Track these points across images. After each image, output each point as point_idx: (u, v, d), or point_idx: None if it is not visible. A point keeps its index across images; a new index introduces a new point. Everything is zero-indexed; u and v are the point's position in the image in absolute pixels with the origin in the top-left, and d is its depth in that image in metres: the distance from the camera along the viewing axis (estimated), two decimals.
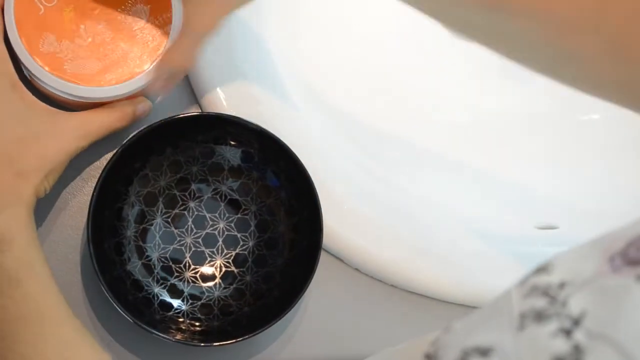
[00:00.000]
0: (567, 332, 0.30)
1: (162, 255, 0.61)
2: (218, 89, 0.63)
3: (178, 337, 0.57)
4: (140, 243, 0.61)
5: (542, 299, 0.31)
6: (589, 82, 0.50)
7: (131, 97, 0.60)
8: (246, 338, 0.57)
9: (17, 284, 0.52)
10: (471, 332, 0.33)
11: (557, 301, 0.31)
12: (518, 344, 0.31)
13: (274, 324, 0.58)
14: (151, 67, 0.58)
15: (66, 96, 0.58)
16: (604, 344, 0.29)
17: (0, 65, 0.57)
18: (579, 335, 0.29)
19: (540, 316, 0.31)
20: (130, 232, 0.61)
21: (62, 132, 0.56)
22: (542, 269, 0.33)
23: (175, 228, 0.62)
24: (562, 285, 0.31)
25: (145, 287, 0.60)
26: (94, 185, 0.58)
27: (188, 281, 0.61)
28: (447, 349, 0.33)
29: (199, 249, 0.62)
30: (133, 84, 0.58)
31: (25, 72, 0.59)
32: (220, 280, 0.61)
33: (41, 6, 0.58)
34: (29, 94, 0.57)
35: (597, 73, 0.49)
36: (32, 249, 0.53)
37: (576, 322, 0.30)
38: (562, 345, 0.29)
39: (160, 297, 0.60)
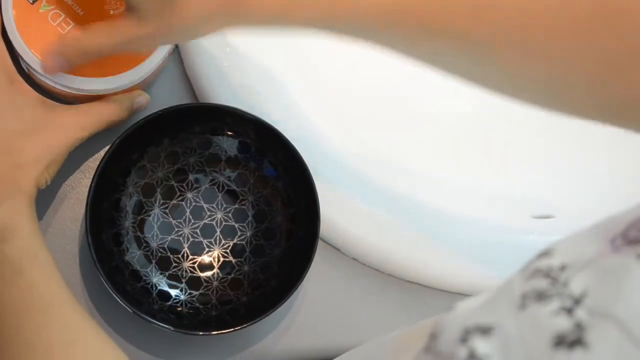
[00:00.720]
0: (569, 311, 0.30)
1: (160, 246, 0.61)
2: (215, 80, 0.63)
3: (177, 326, 0.58)
4: (139, 234, 0.61)
5: (544, 280, 0.32)
6: (583, 110, 0.50)
7: (128, 90, 0.60)
8: (244, 327, 0.58)
9: (20, 272, 0.52)
10: (473, 313, 0.33)
11: (559, 282, 0.31)
12: (519, 322, 0.31)
13: (271, 313, 0.58)
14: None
15: (64, 89, 0.58)
16: (605, 320, 0.29)
17: None
18: (580, 313, 0.30)
19: (541, 296, 0.31)
20: (128, 222, 0.61)
21: (61, 124, 0.57)
22: (543, 254, 0.33)
23: (173, 219, 0.62)
24: (563, 268, 0.32)
25: (144, 277, 0.60)
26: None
27: (186, 271, 0.61)
28: (448, 327, 0.34)
29: (197, 240, 0.62)
30: (130, 76, 0.59)
31: (23, 65, 0.59)
32: (218, 270, 0.62)
33: None
34: (28, 87, 0.57)
35: (591, 99, 0.49)
36: (34, 238, 0.54)
37: (577, 301, 0.30)
38: (563, 322, 0.30)
39: (159, 287, 0.60)
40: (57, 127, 0.56)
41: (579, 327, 0.29)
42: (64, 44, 0.55)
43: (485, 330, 0.32)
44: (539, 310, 0.31)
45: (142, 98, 0.60)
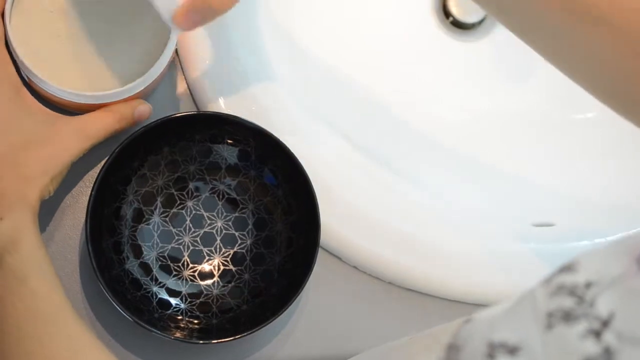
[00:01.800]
0: (597, 334, 0.29)
1: (160, 254, 0.61)
2: (215, 88, 0.63)
3: (177, 335, 0.58)
4: (139, 242, 0.61)
5: (569, 298, 0.31)
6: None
7: (129, 99, 0.60)
8: (244, 335, 0.58)
9: (24, 283, 0.52)
10: (496, 326, 0.33)
11: (585, 301, 0.31)
12: (547, 344, 0.31)
13: (272, 321, 0.58)
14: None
15: (64, 97, 0.58)
16: (634, 346, 0.28)
17: (3, 70, 0.57)
18: (609, 337, 0.29)
19: (568, 316, 0.31)
20: (128, 231, 0.61)
21: (65, 135, 0.57)
22: (567, 268, 0.33)
23: (173, 227, 0.62)
24: (588, 285, 0.31)
25: (144, 286, 0.60)
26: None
27: (186, 280, 0.61)
28: (471, 340, 0.33)
29: (197, 248, 0.62)
30: (130, 85, 0.59)
31: (23, 74, 0.59)
32: (218, 279, 0.62)
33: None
34: (33, 98, 0.58)
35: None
36: (38, 250, 0.54)
37: (605, 323, 0.30)
38: (592, 347, 0.29)
39: (159, 296, 0.60)
40: (60, 138, 0.57)
41: (608, 352, 0.29)
42: (194, 7, 0.53)
43: (512, 350, 0.31)
44: (566, 331, 0.30)
45: (143, 107, 0.60)
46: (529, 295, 0.33)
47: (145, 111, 0.60)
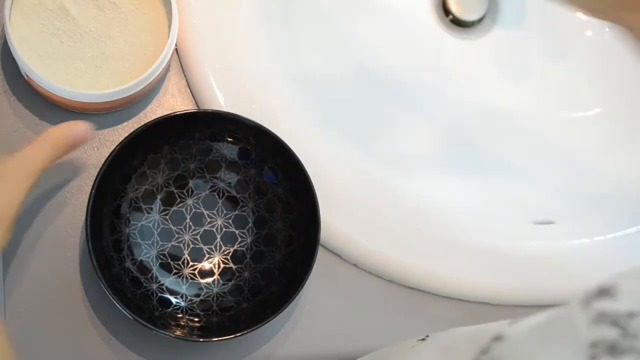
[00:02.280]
0: None
1: (160, 252, 0.61)
2: (215, 86, 0.63)
3: (177, 333, 0.58)
4: (139, 240, 0.61)
5: (613, 329, 0.30)
6: None
7: (127, 99, 0.60)
8: (245, 333, 0.58)
9: None
10: (534, 351, 0.32)
11: (629, 333, 0.30)
12: None
13: (272, 319, 0.58)
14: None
15: (62, 96, 0.58)
16: None
17: None
18: None
19: (613, 350, 0.30)
20: (128, 229, 0.61)
21: (9, 178, 0.53)
22: (605, 292, 0.32)
23: (174, 225, 0.62)
24: (631, 316, 0.30)
25: (144, 284, 0.60)
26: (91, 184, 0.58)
27: (187, 278, 0.61)
28: None
29: (197, 246, 0.62)
30: (132, 85, 0.59)
31: (22, 72, 0.59)
32: (218, 277, 0.62)
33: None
34: None
35: None
36: None
37: None
38: None
39: (159, 294, 0.60)
40: (5, 181, 0.53)
41: None
42: None
43: None
44: None
45: (80, 126, 0.55)
46: (566, 318, 0.32)
47: (80, 130, 0.55)
